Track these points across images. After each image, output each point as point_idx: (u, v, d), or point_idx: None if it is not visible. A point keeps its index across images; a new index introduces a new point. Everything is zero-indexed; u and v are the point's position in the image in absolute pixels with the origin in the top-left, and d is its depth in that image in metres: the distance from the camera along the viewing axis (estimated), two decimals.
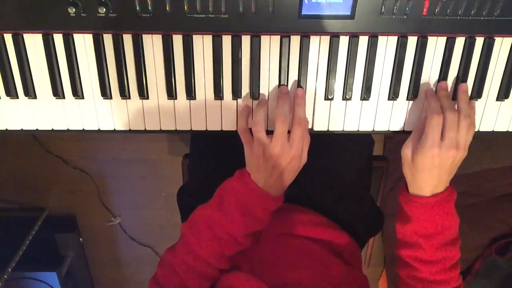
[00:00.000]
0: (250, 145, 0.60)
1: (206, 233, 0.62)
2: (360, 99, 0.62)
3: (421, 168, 0.58)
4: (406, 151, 0.60)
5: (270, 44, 0.59)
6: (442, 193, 0.60)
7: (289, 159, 0.58)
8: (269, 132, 0.58)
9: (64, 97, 0.61)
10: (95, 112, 0.62)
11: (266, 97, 0.62)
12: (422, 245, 0.61)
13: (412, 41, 0.59)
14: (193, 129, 0.64)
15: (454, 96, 0.62)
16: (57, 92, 0.60)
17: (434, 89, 0.61)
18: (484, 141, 1.01)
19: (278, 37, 0.58)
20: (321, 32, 0.57)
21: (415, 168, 0.59)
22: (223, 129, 0.63)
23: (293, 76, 0.60)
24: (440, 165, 0.57)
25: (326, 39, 0.58)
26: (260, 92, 0.61)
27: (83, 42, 0.58)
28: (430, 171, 0.58)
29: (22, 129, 0.63)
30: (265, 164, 0.58)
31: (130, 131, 0.63)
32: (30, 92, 0.60)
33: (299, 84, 0.61)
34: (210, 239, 0.61)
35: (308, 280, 0.64)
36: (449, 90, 0.62)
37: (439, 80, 0.61)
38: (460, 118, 0.57)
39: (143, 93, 0.61)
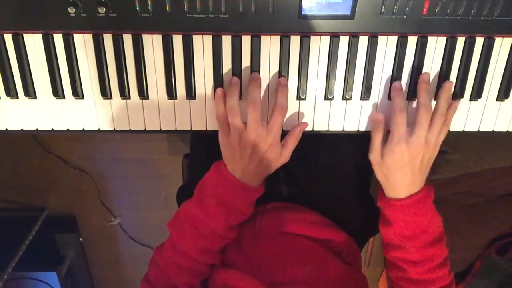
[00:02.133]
0: (226, 134, 0.59)
1: (189, 229, 0.62)
2: (360, 99, 0.62)
3: (393, 168, 0.58)
4: (374, 155, 0.60)
5: (270, 44, 0.59)
6: (418, 193, 0.59)
7: (266, 147, 0.58)
8: None
9: (64, 97, 0.61)
10: (95, 112, 0.62)
11: (235, 80, 0.60)
12: (406, 246, 0.61)
13: (412, 41, 0.59)
14: (193, 129, 0.64)
15: (454, 96, 0.62)
16: (57, 92, 0.60)
17: (434, 86, 0.61)
18: (484, 141, 1.01)
19: (278, 37, 0.58)
20: (321, 32, 0.57)
21: (387, 170, 0.59)
22: None
23: (293, 76, 0.60)
24: (410, 162, 0.57)
25: (326, 39, 0.58)
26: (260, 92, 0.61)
27: (83, 42, 0.58)
28: (401, 170, 0.57)
29: (22, 129, 0.63)
30: (241, 152, 0.58)
31: (130, 131, 0.63)
32: (30, 92, 0.60)
33: (299, 84, 0.61)
34: (193, 235, 0.61)
35: (306, 279, 0.64)
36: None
37: (439, 80, 0.61)
38: (435, 116, 0.57)
39: (143, 93, 0.61)
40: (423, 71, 0.60)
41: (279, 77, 0.60)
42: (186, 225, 0.62)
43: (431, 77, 0.61)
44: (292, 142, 0.61)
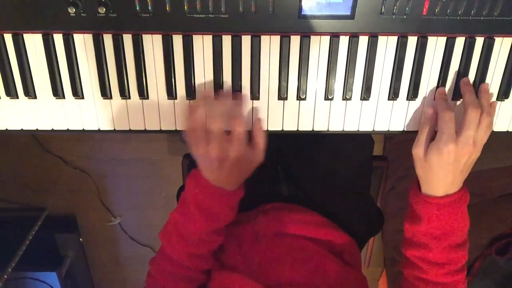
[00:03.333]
0: (196, 145, 0.60)
1: (176, 237, 0.63)
2: (360, 99, 0.62)
3: (436, 166, 0.57)
4: (418, 150, 0.59)
5: (270, 44, 0.59)
6: (455, 193, 0.58)
7: (234, 154, 0.58)
8: None
9: (64, 97, 0.61)
10: (95, 112, 0.62)
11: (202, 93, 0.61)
12: (431, 246, 0.60)
13: (412, 41, 0.59)
14: None
15: (455, 96, 0.62)
16: (57, 92, 0.60)
17: (434, 85, 0.61)
18: None
19: (278, 37, 0.58)
20: (321, 32, 0.57)
21: (429, 167, 0.58)
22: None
23: (293, 76, 0.60)
24: (455, 162, 0.56)
25: (326, 39, 0.58)
26: (260, 92, 0.61)
27: (83, 42, 0.58)
28: (444, 169, 0.56)
29: (22, 129, 0.63)
30: (212, 162, 0.58)
31: (130, 131, 0.63)
32: (30, 92, 0.60)
33: (299, 84, 0.61)
34: (180, 242, 0.62)
35: (306, 280, 0.64)
36: (447, 90, 0.62)
37: (439, 80, 0.61)
38: (483, 116, 0.56)
39: (143, 93, 0.61)
40: (423, 71, 0.60)
41: (279, 83, 0.60)
42: (173, 233, 0.63)
43: (431, 77, 0.61)
44: (259, 141, 0.61)
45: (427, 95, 0.62)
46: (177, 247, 0.63)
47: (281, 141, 0.81)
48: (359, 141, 0.86)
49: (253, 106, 0.62)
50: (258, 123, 0.62)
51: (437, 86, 0.61)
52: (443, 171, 0.57)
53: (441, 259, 0.60)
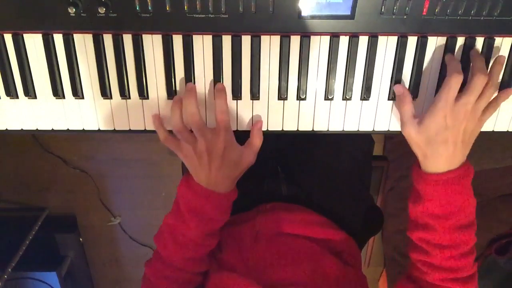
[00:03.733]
0: (180, 149, 0.60)
1: (170, 240, 0.63)
2: (360, 99, 0.62)
3: (434, 134, 0.54)
4: (408, 128, 0.57)
5: (270, 44, 0.59)
6: (457, 169, 0.56)
7: (221, 151, 0.58)
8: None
9: (64, 97, 0.61)
10: (95, 112, 0.62)
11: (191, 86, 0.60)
12: (435, 226, 0.58)
13: (412, 41, 0.59)
14: None
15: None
16: (57, 92, 0.60)
17: (434, 86, 0.61)
18: (484, 141, 1.01)
19: (278, 37, 0.58)
20: (321, 32, 0.57)
21: (426, 137, 0.55)
22: None
23: (293, 76, 0.60)
24: (453, 127, 0.53)
25: (326, 39, 0.58)
26: (260, 92, 0.61)
27: (83, 42, 0.58)
28: (442, 136, 0.54)
29: (22, 129, 0.63)
30: (200, 162, 0.59)
31: (130, 131, 0.63)
32: (30, 92, 0.60)
33: (299, 84, 0.61)
34: (174, 245, 0.63)
35: (305, 279, 0.64)
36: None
37: (439, 80, 0.61)
38: (488, 86, 0.54)
39: (143, 93, 0.61)
40: (423, 71, 0.60)
41: (279, 84, 0.60)
42: (168, 237, 0.63)
43: (431, 77, 0.61)
44: (255, 142, 0.61)
45: (427, 95, 0.62)
46: (172, 250, 0.63)
47: (281, 141, 0.82)
48: (359, 141, 0.86)
49: (253, 106, 0.62)
50: (259, 123, 0.62)
51: (437, 86, 0.61)
52: (441, 139, 0.54)
53: (446, 241, 0.57)
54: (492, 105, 0.58)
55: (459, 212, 0.57)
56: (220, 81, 0.60)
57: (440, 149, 0.55)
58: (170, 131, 0.62)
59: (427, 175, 0.57)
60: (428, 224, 0.59)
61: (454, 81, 0.53)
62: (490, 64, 0.59)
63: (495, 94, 0.59)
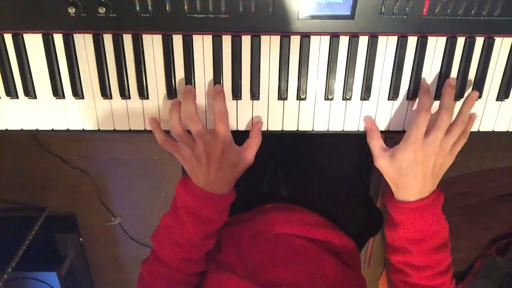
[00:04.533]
0: (178, 151, 0.60)
1: (167, 240, 0.63)
2: (360, 99, 0.62)
3: (405, 167, 0.57)
4: (379, 161, 0.60)
5: (270, 44, 0.59)
6: (428, 197, 0.59)
7: (219, 153, 0.58)
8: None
9: (64, 97, 0.61)
10: (95, 112, 0.62)
11: (190, 88, 0.61)
12: (411, 250, 0.61)
13: (412, 41, 0.59)
14: None
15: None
16: (57, 92, 0.60)
17: (434, 86, 0.61)
18: (484, 141, 1.01)
19: (278, 37, 0.58)
20: (321, 32, 0.57)
21: (398, 169, 0.58)
22: None
23: (293, 76, 0.60)
24: (423, 162, 0.56)
25: (326, 39, 0.58)
26: (260, 92, 0.61)
27: (83, 42, 0.58)
28: (413, 170, 0.56)
29: (22, 129, 0.63)
30: (198, 164, 0.59)
31: (130, 131, 0.63)
32: (30, 92, 0.60)
33: (299, 84, 0.61)
34: (171, 245, 0.63)
35: (304, 280, 0.64)
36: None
37: (439, 80, 0.61)
38: (456, 123, 0.57)
39: (143, 93, 0.61)
40: (423, 71, 0.60)
41: (279, 84, 0.60)
42: (165, 237, 0.64)
43: (431, 78, 0.61)
44: (254, 143, 0.61)
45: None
46: (168, 251, 0.63)
47: (280, 141, 0.81)
48: (359, 141, 0.86)
49: (253, 106, 0.62)
50: (259, 124, 0.62)
51: (437, 86, 0.61)
52: (412, 172, 0.57)
53: (423, 263, 0.60)
54: (462, 136, 0.59)
55: (432, 236, 0.60)
56: (220, 81, 0.60)
57: (411, 182, 0.58)
58: (168, 131, 0.62)
59: (400, 203, 0.60)
60: (404, 248, 0.61)
61: (422, 119, 0.56)
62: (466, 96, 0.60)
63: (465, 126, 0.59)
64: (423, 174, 0.57)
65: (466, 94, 0.62)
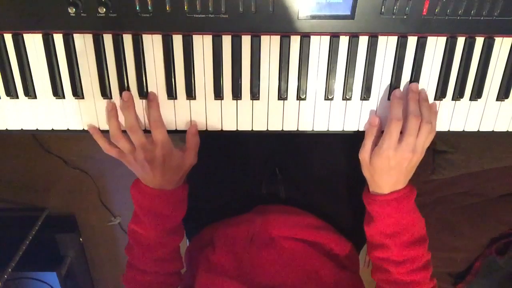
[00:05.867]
0: (123, 158, 0.62)
1: (136, 246, 0.66)
2: (360, 99, 0.62)
3: (379, 169, 0.59)
4: (364, 155, 0.61)
5: (270, 44, 0.59)
6: (400, 190, 0.61)
7: (161, 159, 0.59)
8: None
9: (64, 97, 0.61)
10: (95, 112, 0.62)
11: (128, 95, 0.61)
12: (388, 245, 0.62)
13: (412, 41, 0.59)
14: None
15: (453, 97, 0.62)
16: (57, 92, 0.60)
17: (434, 86, 0.61)
18: (484, 141, 1.01)
19: (278, 37, 0.58)
20: (321, 32, 0.57)
21: (373, 170, 0.60)
22: (223, 129, 0.63)
23: (293, 76, 0.60)
24: (396, 166, 0.58)
25: (326, 39, 0.58)
26: (260, 92, 0.61)
27: (83, 42, 0.58)
28: (387, 173, 0.59)
29: (22, 129, 0.63)
30: (143, 170, 0.61)
31: None
32: (30, 92, 0.60)
33: (299, 84, 0.61)
34: (140, 249, 0.65)
35: (299, 283, 0.64)
36: (448, 90, 0.61)
37: (439, 80, 0.61)
38: (422, 124, 0.58)
39: (143, 93, 0.61)
40: (423, 71, 0.60)
41: (279, 84, 0.60)
42: (134, 243, 0.66)
43: (431, 78, 0.61)
44: (191, 146, 0.63)
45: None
46: (139, 255, 0.65)
47: (279, 142, 0.81)
48: (359, 142, 0.85)
49: (253, 106, 0.62)
50: (191, 128, 0.62)
51: (437, 86, 0.61)
52: (386, 174, 0.59)
53: (401, 257, 0.62)
54: (431, 133, 0.60)
55: (407, 229, 0.62)
56: (220, 81, 0.60)
57: (385, 179, 0.60)
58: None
59: (374, 196, 0.62)
60: (382, 243, 0.63)
61: (394, 128, 0.57)
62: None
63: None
64: (396, 174, 0.59)
65: (465, 94, 0.62)
